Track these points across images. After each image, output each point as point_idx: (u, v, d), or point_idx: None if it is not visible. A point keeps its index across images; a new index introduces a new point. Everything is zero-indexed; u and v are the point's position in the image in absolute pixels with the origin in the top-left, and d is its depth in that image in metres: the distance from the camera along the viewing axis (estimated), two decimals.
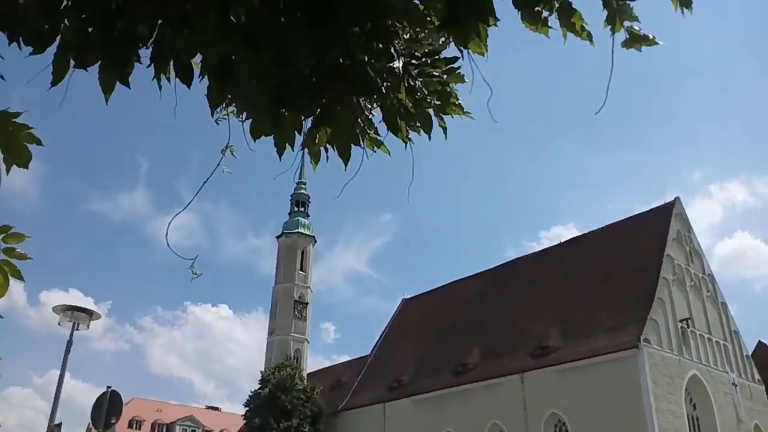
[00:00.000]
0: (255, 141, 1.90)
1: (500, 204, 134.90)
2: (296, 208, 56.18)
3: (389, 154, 2.00)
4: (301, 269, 53.37)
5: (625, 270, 33.27)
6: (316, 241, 55.75)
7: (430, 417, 36.78)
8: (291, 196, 56.44)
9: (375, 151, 2.00)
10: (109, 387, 11.29)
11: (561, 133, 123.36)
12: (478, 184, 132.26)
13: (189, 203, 2.91)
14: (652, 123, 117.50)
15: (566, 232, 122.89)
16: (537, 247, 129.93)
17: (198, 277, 2.86)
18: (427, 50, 1.93)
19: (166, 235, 2.85)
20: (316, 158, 2.01)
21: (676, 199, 35.80)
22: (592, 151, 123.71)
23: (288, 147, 1.95)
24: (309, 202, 57.14)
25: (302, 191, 56.43)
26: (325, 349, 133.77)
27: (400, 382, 40.67)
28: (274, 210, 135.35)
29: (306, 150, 2.06)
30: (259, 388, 43.14)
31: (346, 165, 1.92)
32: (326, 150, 1.97)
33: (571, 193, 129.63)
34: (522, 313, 36.76)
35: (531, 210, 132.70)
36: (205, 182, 2.85)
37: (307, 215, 56.51)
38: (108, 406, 10.90)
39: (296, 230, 54.32)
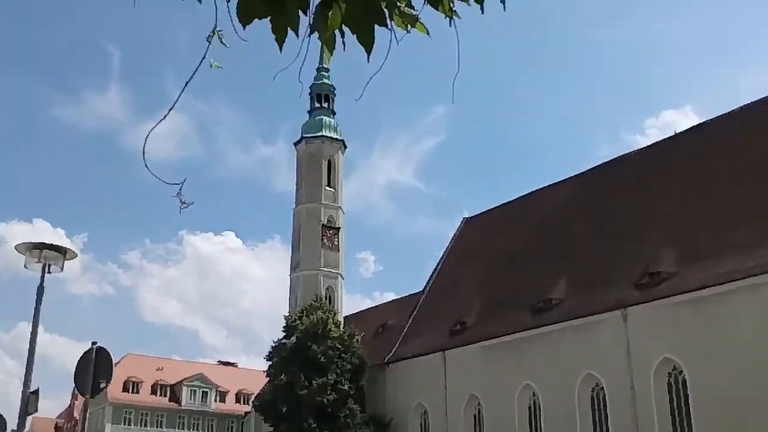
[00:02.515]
0: (244, 27, 1.86)
1: (588, 85, 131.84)
2: (318, 104, 56.06)
3: (428, 34, 1.93)
4: (329, 184, 53.85)
5: (763, 169, 32.53)
6: (346, 147, 55.89)
7: (505, 368, 37.63)
8: (310, 88, 56.15)
9: (409, 31, 1.94)
10: (94, 343, 11.79)
11: None
12: (557, 60, 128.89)
13: (169, 111, 2.92)
14: None
15: (682, 118, 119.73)
16: (642, 142, 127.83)
17: (187, 207, 2.91)
18: None
19: (143, 150, 2.88)
20: (329, 46, 1.97)
21: None
22: (713, 7, 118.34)
23: (291, 33, 1.91)
24: (334, 95, 56.89)
25: (324, 81, 56.06)
26: (364, 285, 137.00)
27: (463, 325, 41.46)
28: (289, 107, 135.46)
29: (317, 36, 2.01)
30: (284, 338, 44.65)
31: (369, 53, 1.87)
32: (342, 34, 1.92)
33: (686, 63, 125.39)
34: (623, 231, 36.60)
35: (631, 91, 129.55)
36: (189, 79, 2.86)
37: (333, 113, 56.42)
38: (95, 367, 11.38)
39: (319, 133, 54.43)
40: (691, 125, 41.94)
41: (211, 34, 2.62)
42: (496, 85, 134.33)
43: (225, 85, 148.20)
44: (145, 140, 3.39)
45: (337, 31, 1.95)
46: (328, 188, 53.72)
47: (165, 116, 3.04)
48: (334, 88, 56.80)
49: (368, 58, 1.90)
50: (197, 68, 2.71)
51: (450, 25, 1.96)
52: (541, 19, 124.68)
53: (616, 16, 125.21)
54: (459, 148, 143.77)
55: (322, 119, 55.16)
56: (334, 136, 55.10)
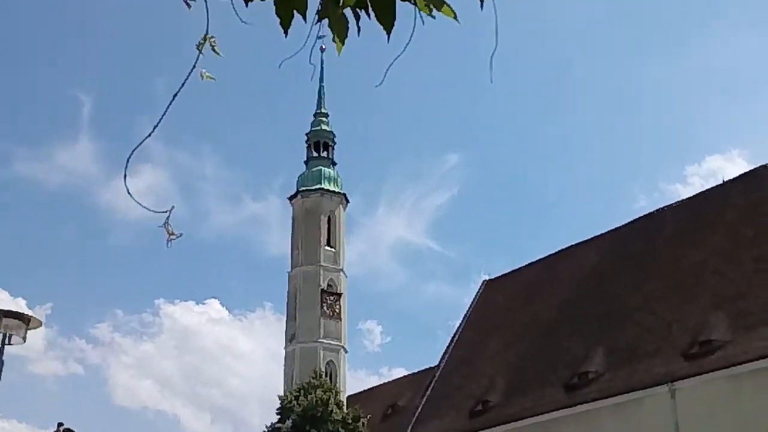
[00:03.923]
0: (247, 5, 1.83)
1: (621, 129, 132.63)
2: (316, 153, 56.58)
3: (455, 17, 1.89)
4: (329, 244, 54.08)
5: None
6: (348, 201, 56.35)
7: None
8: (307, 135, 56.78)
9: (433, 16, 1.90)
10: (60, 424, 11.70)
11: (714, 16, 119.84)
12: (586, 101, 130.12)
13: (145, 139, 2.90)
14: None
15: (728, 165, 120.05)
16: (683, 192, 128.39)
17: (176, 239, 2.86)
18: None
19: (125, 176, 2.85)
20: (340, 32, 1.93)
21: None
22: (759, 36, 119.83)
23: (299, 17, 1.88)
24: (334, 143, 57.48)
25: (323, 127, 56.71)
26: (369, 359, 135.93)
27: (485, 405, 41.04)
28: (284, 157, 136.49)
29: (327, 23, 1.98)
30: (278, 422, 44.31)
31: (389, 32, 1.83)
32: (356, 17, 1.88)
33: (731, 104, 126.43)
34: (667, 293, 36.46)
35: (670, 135, 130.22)
36: (177, 92, 2.84)
37: (333, 163, 57.04)
38: None
39: (318, 186, 54.95)
40: (741, 172, 42.07)
41: (202, 41, 2.61)
42: (518, 131, 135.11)
43: (211, 134, 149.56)
44: (125, 169, 3.37)
45: (350, 16, 1.92)
46: (328, 248, 53.92)
47: (140, 144, 3.02)
48: (334, 135, 57.43)
49: (388, 38, 1.86)
50: (186, 78, 2.68)
51: (482, 7, 1.93)
52: (568, 56, 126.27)
53: (656, 50, 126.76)
54: (476, 203, 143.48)
55: (320, 170, 55.69)
56: (335, 189, 55.57)
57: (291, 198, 55.86)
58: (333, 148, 57.28)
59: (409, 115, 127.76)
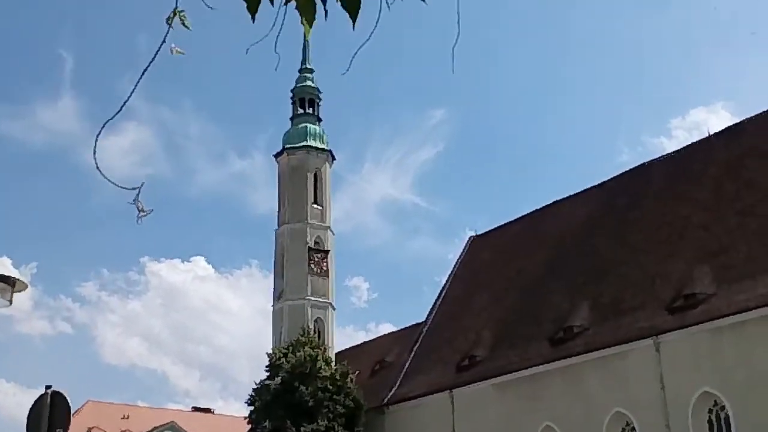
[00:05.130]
0: None
1: (605, 83, 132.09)
2: (301, 110, 56.24)
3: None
4: (315, 201, 53.96)
5: None
6: (334, 159, 56.09)
7: (521, 407, 37.52)
8: (291, 91, 56.34)
9: None
10: (48, 387, 11.73)
11: None
12: (570, 56, 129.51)
13: (122, 106, 2.88)
14: None
15: (711, 117, 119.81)
16: (668, 145, 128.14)
17: (146, 215, 2.86)
18: None
19: (94, 153, 2.84)
20: (308, 14, 1.92)
21: None
22: None
23: (266, 2, 1.86)
24: (320, 99, 57.16)
25: (308, 83, 56.29)
26: (357, 316, 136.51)
27: (472, 359, 41.37)
28: (268, 114, 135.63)
29: (293, 6, 1.97)
30: (267, 378, 44.50)
31: (354, 19, 1.82)
32: (324, 1, 1.87)
33: (716, 55, 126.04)
34: (651, 247, 36.71)
35: (655, 88, 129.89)
36: (146, 69, 2.82)
37: (319, 119, 56.68)
38: (50, 415, 11.33)
39: (304, 143, 54.63)
40: (725, 126, 42.06)
41: (172, 15, 2.58)
42: (503, 86, 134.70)
43: (194, 92, 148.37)
44: (95, 143, 3.35)
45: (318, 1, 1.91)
46: (314, 206, 53.81)
47: (119, 111, 3.00)
48: (320, 92, 57.07)
49: (353, 26, 1.85)
50: (156, 54, 2.66)
51: None
52: (550, 12, 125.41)
53: (635, 3, 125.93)
54: (462, 158, 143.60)
55: (306, 127, 55.33)
56: (321, 146, 55.28)
57: (277, 155, 55.55)
58: (318, 105, 56.93)
59: (394, 71, 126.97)
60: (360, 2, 1.86)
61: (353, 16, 1.88)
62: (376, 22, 1.87)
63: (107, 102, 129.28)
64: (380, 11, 1.90)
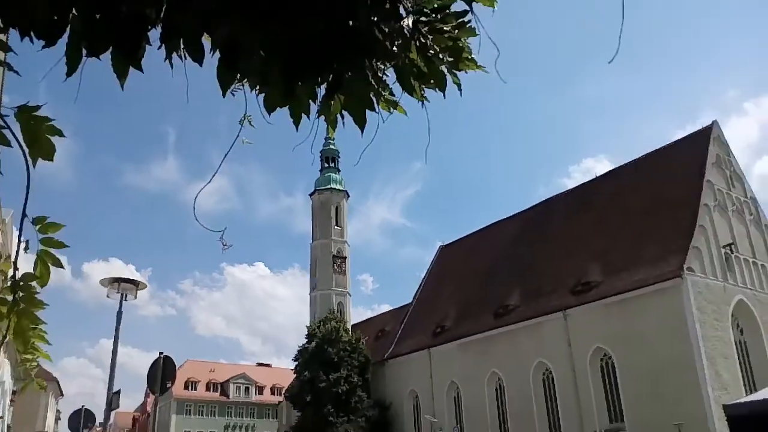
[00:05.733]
0: (270, 114, 1.91)
1: (527, 143, 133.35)
2: (327, 164, 56.29)
3: (406, 114, 1.99)
4: (337, 224, 53.85)
5: (664, 200, 32.68)
6: (348, 196, 56.03)
7: (476, 360, 37.35)
8: (320, 152, 56.51)
9: (391, 113, 1.99)
10: (161, 353, 11.72)
11: (584, 63, 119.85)
12: (504, 126, 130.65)
13: (212, 177, 2.95)
14: (681, 40, 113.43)
15: (597, 164, 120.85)
16: (569, 183, 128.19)
17: (228, 248, 2.92)
18: (436, 5, 1.89)
19: (194, 208, 2.90)
20: (333, 125, 2.02)
21: (714, 122, 34.69)
22: (616, 76, 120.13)
23: (305, 117, 1.95)
24: (339, 157, 57.18)
25: (331, 147, 56.41)
26: (365, 300, 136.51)
27: (443, 328, 41.22)
28: (305, 168, 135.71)
29: (324, 118, 2.06)
30: (306, 343, 44.28)
31: (362, 131, 1.93)
32: (342, 117, 1.97)
33: (597, 122, 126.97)
34: (561, 252, 36.64)
35: (558, 145, 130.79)
36: (225, 156, 2.88)
37: (338, 170, 56.63)
38: (163, 372, 11.33)
39: (328, 186, 54.60)
40: (606, 170, 42.18)
41: (243, 118, 2.67)
42: (459, 151, 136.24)
43: (256, 154, 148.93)
44: (195, 198, 3.39)
45: (338, 114, 2.01)
46: (336, 227, 53.77)
47: (210, 180, 3.05)
48: (339, 152, 57.19)
49: (362, 133, 1.95)
50: (232, 144, 2.74)
51: (422, 106, 2.02)
52: (490, 98, 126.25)
53: (547, 89, 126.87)
54: (434, 194, 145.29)
55: (330, 176, 55.38)
56: (340, 188, 55.30)
57: (311, 194, 55.59)
58: (338, 160, 56.99)
59: (389, 143, 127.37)
60: (365, 120, 1.94)
61: (361, 128, 1.97)
62: (375, 132, 1.96)
63: (198, 161, 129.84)
64: (378, 125, 1.99)
